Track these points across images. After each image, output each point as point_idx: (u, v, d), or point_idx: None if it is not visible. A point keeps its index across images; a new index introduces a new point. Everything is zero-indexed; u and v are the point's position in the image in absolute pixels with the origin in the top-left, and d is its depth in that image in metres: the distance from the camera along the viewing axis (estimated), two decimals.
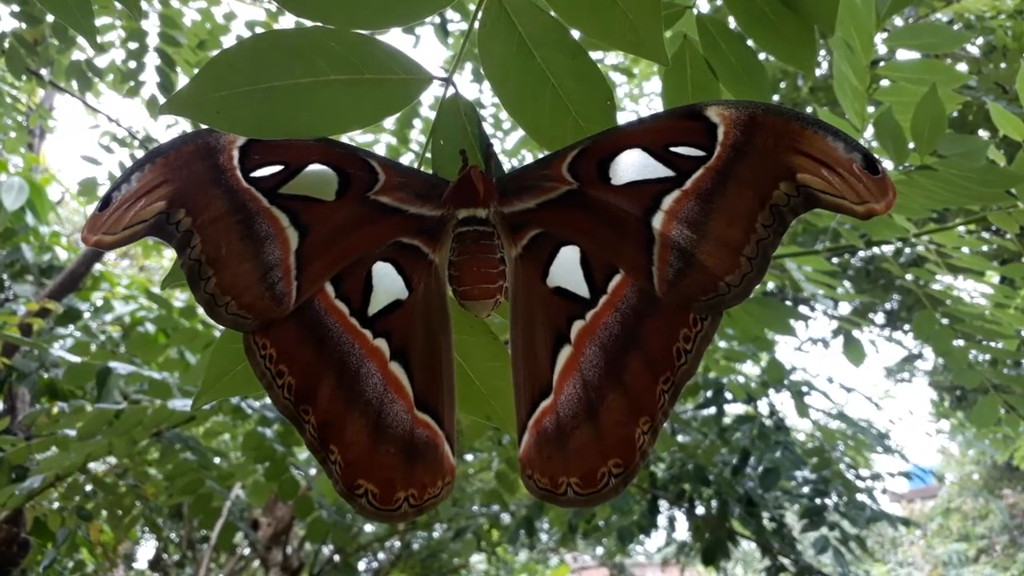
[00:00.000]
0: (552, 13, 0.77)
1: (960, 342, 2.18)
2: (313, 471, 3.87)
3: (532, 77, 0.77)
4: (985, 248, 2.45)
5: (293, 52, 0.70)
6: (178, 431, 2.79)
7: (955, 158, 1.38)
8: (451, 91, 0.78)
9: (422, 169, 0.78)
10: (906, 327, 5.90)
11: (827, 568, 4.00)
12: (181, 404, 2.28)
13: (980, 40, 4.15)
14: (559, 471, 0.68)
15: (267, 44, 0.70)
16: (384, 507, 0.68)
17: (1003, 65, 3.86)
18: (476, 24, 0.77)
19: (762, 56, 1.24)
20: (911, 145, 1.46)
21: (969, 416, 4.24)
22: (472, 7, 0.84)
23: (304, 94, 0.70)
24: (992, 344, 2.51)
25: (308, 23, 0.71)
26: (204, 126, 0.70)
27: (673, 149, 0.69)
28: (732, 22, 1.27)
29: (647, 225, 0.68)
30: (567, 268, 0.70)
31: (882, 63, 1.70)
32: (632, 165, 0.70)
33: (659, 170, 0.69)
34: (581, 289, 0.70)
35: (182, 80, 3.43)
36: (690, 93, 1.19)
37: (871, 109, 1.70)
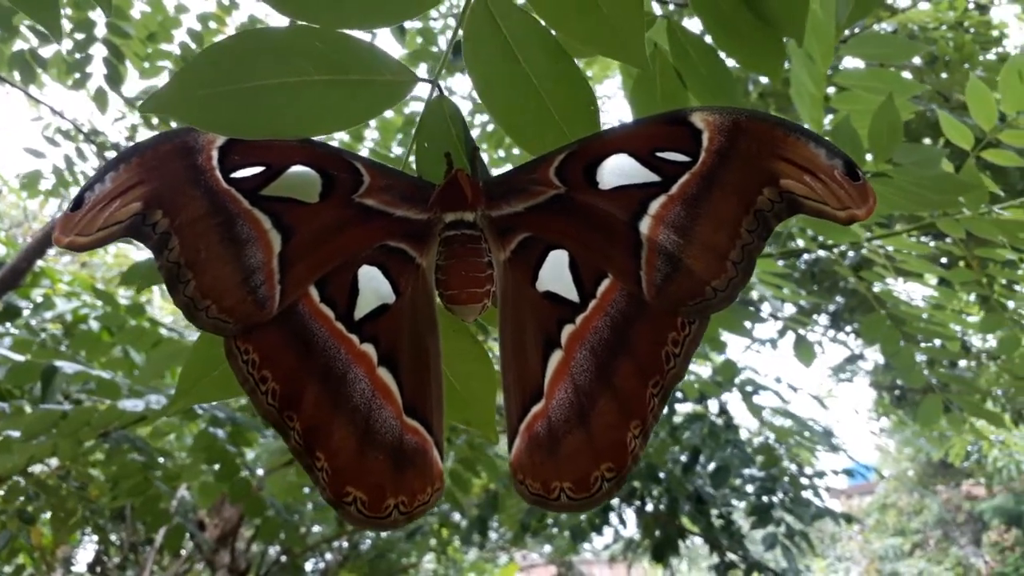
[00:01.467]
0: (537, 17, 0.77)
1: (904, 343, 2.24)
2: (261, 471, 3.81)
3: (516, 80, 0.77)
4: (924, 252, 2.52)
5: (278, 51, 0.69)
6: (125, 432, 2.72)
7: (911, 166, 1.41)
8: (436, 93, 0.77)
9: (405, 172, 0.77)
10: (848, 328, 6.04)
11: (774, 564, 4.08)
12: (132, 404, 2.22)
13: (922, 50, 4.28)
14: (551, 476, 0.68)
15: (252, 43, 0.69)
16: (374, 515, 0.67)
17: (944, 75, 3.98)
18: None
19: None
20: (868, 155, 1.50)
21: (909, 414, 4.37)
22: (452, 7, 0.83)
23: (288, 94, 0.69)
24: (934, 344, 2.60)
25: (284, 21, 0.70)
26: (175, 125, 0.69)
27: (659, 154, 0.69)
28: (700, 29, 1.29)
29: (635, 230, 0.68)
30: (556, 272, 0.70)
31: (830, 72, 1.74)
32: (619, 170, 0.70)
33: (645, 175, 0.69)
34: (570, 293, 0.70)
35: (131, 73, 3.34)
36: (659, 101, 1.21)
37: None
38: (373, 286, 0.70)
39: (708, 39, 1.18)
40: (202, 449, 2.66)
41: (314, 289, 0.70)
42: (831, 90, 1.75)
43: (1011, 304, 2.63)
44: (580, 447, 0.68)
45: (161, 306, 6.76)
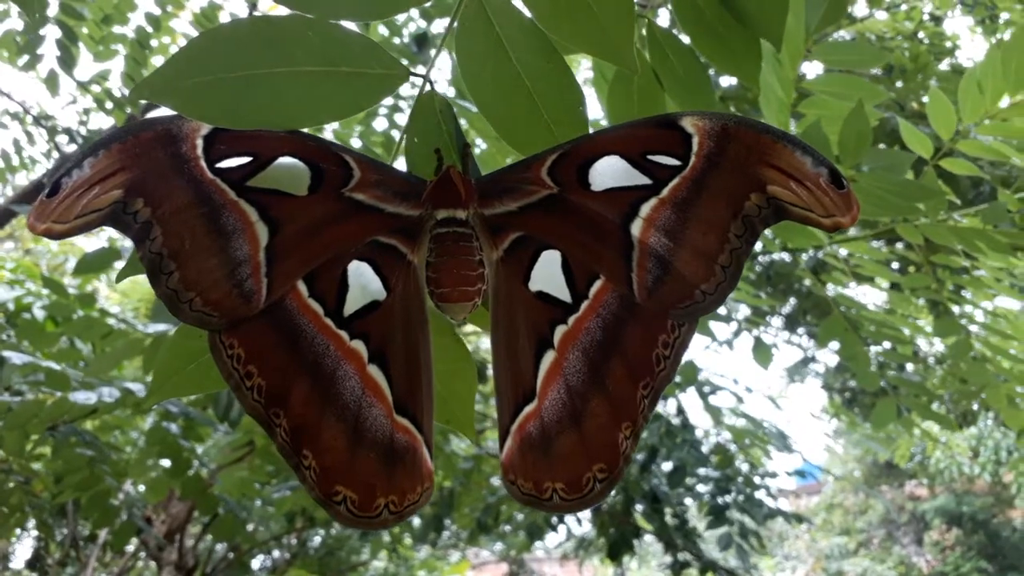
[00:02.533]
0: (529, 15, 0.76)
1: (870, 348, 2.29)
2: (209, 467, 3.75)
3: (507, 78, 0.77)
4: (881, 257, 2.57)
5: (271, 41, 0.67)
6: (73, 425, 2.65)
7: (879, 171, 1.44)
8: (427, 88, 0.76)
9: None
10: (800, 330, 6.15)
11: (724, 563, 4.14)
12: (84, 397, 2.16)
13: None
14: (544, 476, 0.67)
15: (245, 32, 0.67)
16: (364, 514, 0.66)
17: (899, 84, 4.07)
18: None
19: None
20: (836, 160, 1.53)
21: (860, 416, 4.47)
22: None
23: (279, 84, 0.68)
24: (882, 347, 2.66)
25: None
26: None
27: (650, 157, 0.69)
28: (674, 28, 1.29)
29: (626, 232, 0.68)
30: (549, 272, 0.70)
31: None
32: (610, 171, 0.70)
33: (637, 177, 0.69)
34: (563, 294, 0.70)
35: (84, 55, 3.25)
36: (635, 102, 1.21)
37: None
38: (363, 282, 0.69)
39: (686, 40, 1.19)
40: (154, 444, 2.61)
41: (302, 284, 0.68)
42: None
43: (957, 309, 2.71)
44: (573, 448, 0.67)
45: (108, 296, 6.60)
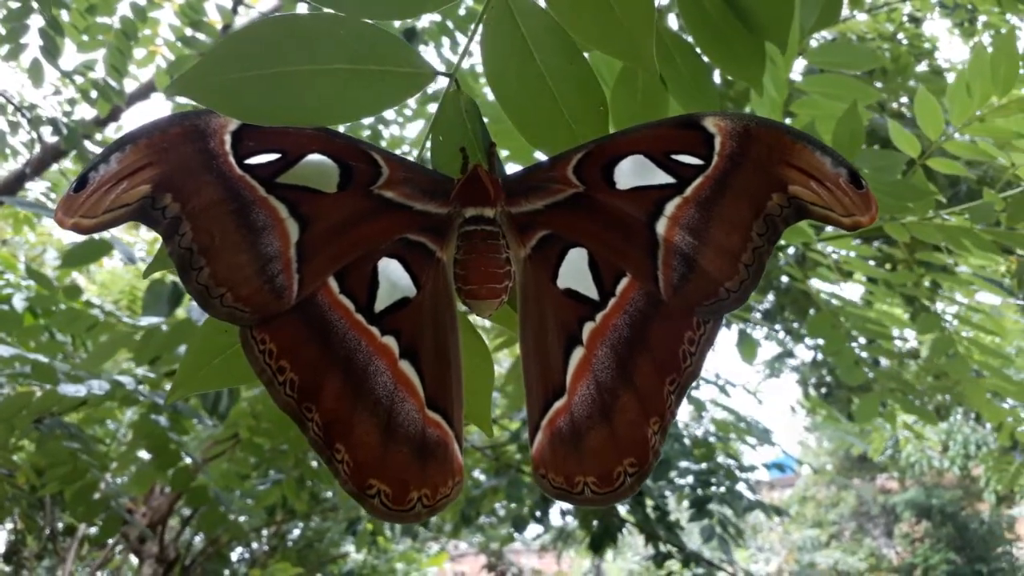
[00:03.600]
0: (554, 17, 0.77)
1: (855, 344, 2.33)
2: (192, 459, 3.73)
3: (530, 78, 0.78)
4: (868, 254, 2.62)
5: (302, 38, 0.68)
6: (59, 418, 2.63)
7: (872, 171, 1.47)
8: (453, 87, 0.77)
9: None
10: (777, 325, 6.22)
11: (707, 554, 4.19)
12: (73, 390, 2.14)
13: None
14: (575, 471, 0.69)
15: (278, 29, 0.68)
16: (398, 507, 0.67)
17: (879, 84, 4.12)
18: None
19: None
20: None
21: (840, 411, 4.53)
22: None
23: (309, 81, 0.68)
24: (859, 342, 2.70)
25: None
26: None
27: (674, 156, 0.71)
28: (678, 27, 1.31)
29: (651, 230, 0.70)
30: (576, 270, 0.71)
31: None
32: (635, 170, 0.71)
33: (661, 176, 0.71)
34: (590, 291, 0.71)
35: (68, 46, 3.21)
36: (639, 102, 1.22)
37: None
38: (393, 279, 0.70)
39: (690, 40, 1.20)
40: (142, 436, 2.59)
41: (333, 280, 0.69)
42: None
43: (937, 306, 2.76)
44: (603, 443, 0.69)
45: (86, 288, 6.54)
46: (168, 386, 3.01)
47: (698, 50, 1.18)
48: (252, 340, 0.67)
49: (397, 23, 3.46)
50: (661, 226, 0.70)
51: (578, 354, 0.70)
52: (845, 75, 1.71)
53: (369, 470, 0.67)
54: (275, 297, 0.67)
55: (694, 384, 3.65)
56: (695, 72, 1.21)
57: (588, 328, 0.70)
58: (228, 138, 0.67)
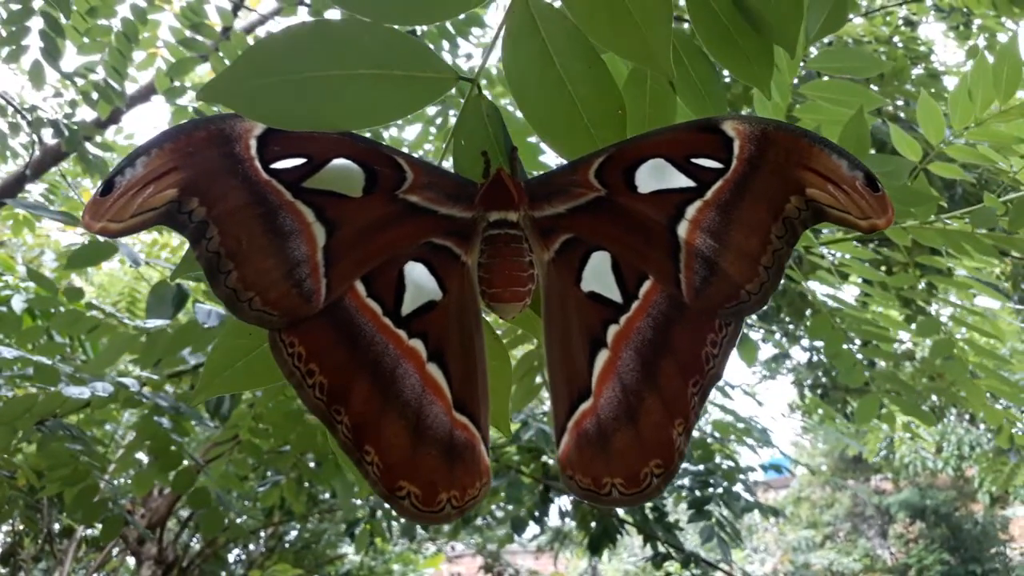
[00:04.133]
0: (574, 22, 0.78)
1: (853, 346, 2.34)
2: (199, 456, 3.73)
3: (550, 82, 0.79)
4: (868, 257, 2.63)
5: (329, 44, 0.69)
6: (60, 420, 2.62)
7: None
8: (475, 92, 0.78)
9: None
10: (774, 327, 6.24)
11: (704, 555, 4.20)
12: (77, 392, 2.14)
13: None
14: (602, 472, 0.70)
15: (304, 35, 0.68)
16: (428, 509, 0.68)
17: (875, 88, 4.14)
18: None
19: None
20: None
21: (839, 412, 4.55)
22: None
23: (336, 86, 0.69)
24: (864, 344, 2.71)
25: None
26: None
27: (693, 160, 0.72)
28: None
29: (673, 233, 0.71)
30: (599, 273, 0.72)
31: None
32: (656, 174, 0.72)
33: (681, 180, 0.72)
34: (614, 294, 0.72)
35: (69, 48, 3.21)
36: (647, 103, 1.23)
37: None
38: (419, 282, 0.71)
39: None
40: (145, 438, 2.59)
41: (360, 284, 0.70)
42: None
43: (933, 308, 2.77)
44: (629, 444, 0.70)
45: (83, 288, 6.51)
46: (170, 388, 3.01)
47: (706, 51, 1.19)
48: (281, 343, 0.68)
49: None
50: (682, 229, 0.71)
51: (603, 356, 0.71)
52: (848, 80, 1.72)
53: (399, 472, 0.68)
54: (303, 301, 0.68)
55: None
56: (703, 75, 1.22)
57: (612, 331, 0.71)
58: (254, 143, 0.68)
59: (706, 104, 1.23)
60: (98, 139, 3.47)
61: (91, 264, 2.17)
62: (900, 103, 4.53)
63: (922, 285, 2.68)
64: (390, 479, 0.68)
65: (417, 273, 0.71)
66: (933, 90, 4.25)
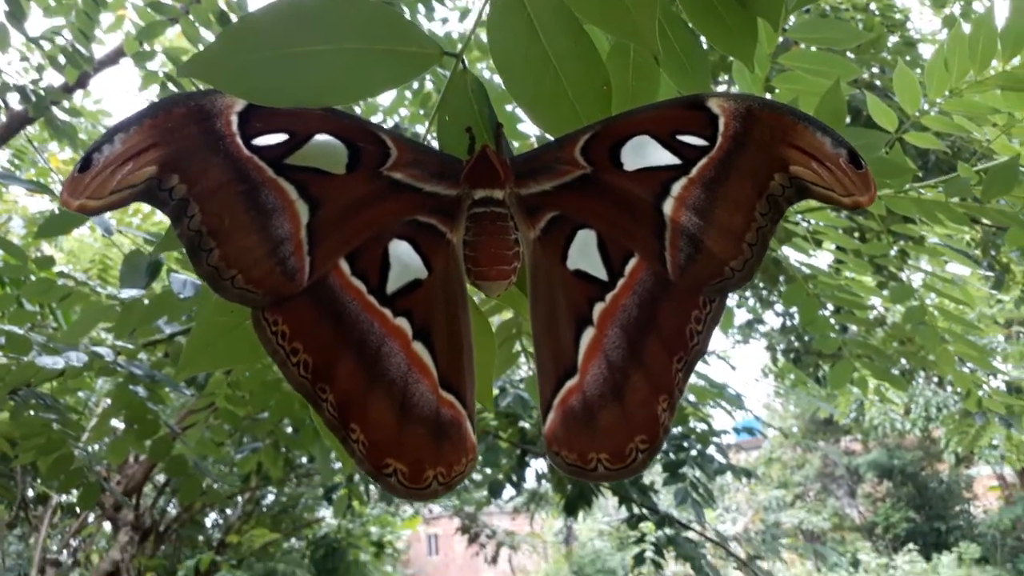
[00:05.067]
0: None
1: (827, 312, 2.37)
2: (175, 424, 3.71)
3: (535, 58, 0.78)
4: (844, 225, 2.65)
5: (314, 19, 0.67)
6: (34, 389, 2.60)
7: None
8: (459, 67, 0.77)
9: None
10: (747, 293, 6.30)
11: (678, 515, 4.27)
12: (51, 362, 2.12)
13: None
14: (588, 448, 0.70)
15: (290, 10, 0.67)
16: (414, 486, 0.68)
17: (852, 56, 4.14)
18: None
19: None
20: None
21: (811, 377, 4.62)
22: None
23: (320, 62, 0.68)
24: (837, 310, 2.75)
25: None
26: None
27: (679, 137, 0.72)
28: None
29: (658, 211, 0.71)
30: (585, 251, 0.72)
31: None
32: (641, 151, 0.72)
33: (666, 157, 0.72)
34: (599, 272, 0.72)
35: (35, 11, 3.12)
36: (631, 75, 1.23)
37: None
38: (404, 261, 0.71)
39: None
40: (120, 407, 2.57)
41: (344, 262, 0.69)
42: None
43: (904, 274, 2.81)
44: (615, 421, 0.70)
45: (51, 255, 6.41)
46: (144, 356, 2.99)
47: (690, 24, 1.19)
48: (264, 322, 0.68)
49: None
50: (668, 207, 0.71)
51: (589, 334, 0.72)
52: (827, 51, 1.72)
53: (385, 450, 0.68)
54: (287, 279, 0.67)
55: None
56: (687, 46, 1.21)
57: (598, 308, 0.72)
58: (235, 119, 0.67)
59: (690, 77, 1.23)
60: (66, 104, 3.39)
61: (63, 232, 2.14)
62: (876, 70, 4.54)
63: (894, 251, 2.71)
64: (376, 457, 0.68)
65: (402, 251, 0.71)
66: (909, 58, 4.26)
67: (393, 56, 0.71)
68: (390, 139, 0.70)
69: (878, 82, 4.48)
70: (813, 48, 1.72)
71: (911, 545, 9.83)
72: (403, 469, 0.68)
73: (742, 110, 0.70)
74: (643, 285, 0.72)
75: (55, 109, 3.28)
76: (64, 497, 4.72)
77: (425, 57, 0.73)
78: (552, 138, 0.77)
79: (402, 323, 0.70)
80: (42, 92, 3.14)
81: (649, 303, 0.72)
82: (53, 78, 3.35)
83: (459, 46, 0.78)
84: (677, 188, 0.71)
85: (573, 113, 0.80)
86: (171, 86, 3.30)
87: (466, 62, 0.77)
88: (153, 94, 3.34)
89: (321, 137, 0.69)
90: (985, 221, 2.17)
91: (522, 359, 2.55)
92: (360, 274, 0.70)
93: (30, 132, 3.90)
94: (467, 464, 0.70)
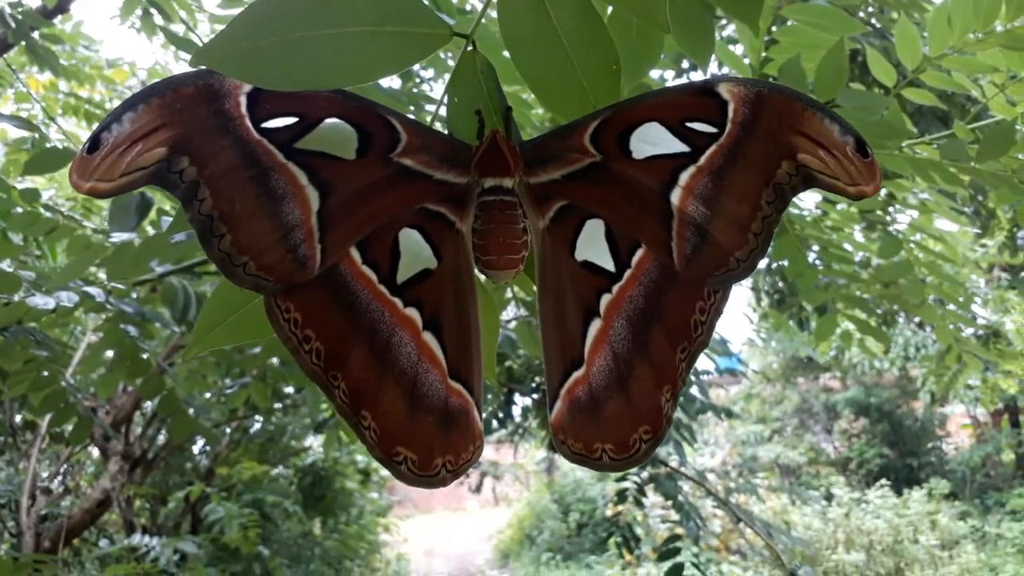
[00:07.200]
0: None
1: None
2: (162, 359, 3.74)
3: (545, 38, 0.77)
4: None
5: (321, 3, 0.66)
6: (23, 325, 2.60)
7: (855, 110, 1.48)
8: (469, 47, 0.76)
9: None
10: None
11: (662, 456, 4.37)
12: (42, 302, 2.11)
13: None
14: (593, 438, 0.72)
15: None
16: (424, 473, 0.70)
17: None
18: None
19: None
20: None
21: (791, 318, 4.68)
22: None
23: (329, 45, 0.67)
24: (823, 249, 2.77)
25: None
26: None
27: (688, 124, 0.71)
28: None
29: (666, 201, 0.71)
30: (593, 241, 0.72)
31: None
32: (650, 138, 0.72)
33: (675, 145, 0.71)
34: (607, 263, 0.72)
35: None
36: (635, 37, 1.21)
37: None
38: (414, 250, 0.71)
39: None
40: (112, 344, 2.58)
41: (355, 250, 0.69)
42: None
43: (894, 228, 2.82)
44: (620, 412, 0.72)
45: (34, 182, 6.30)
46: (135, 295, 2.98)
47: None
48: (277, 308, 0.68)
49: None
50: (675, 196, 0.71)
51: (596, 325, 0.72)
52: (830, 5, 1.70)
53: (396, 438, 0.69)
54: (298, 266, 0.67)
55: None
56: (691, 9, 1.19)
57: (605, 300, 0.72)
58: (244, 99, 0.66)
59: (696, 41, 1.21)
60: (46, 30, 3.29)
61: (49, 171, 2.10)
62: (872, 9, 4.46)
63: (883, 193, 2.72)
64: (387, 445, 0.69)
65: (412, 240, 0.71)
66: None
67: (402, 38, 0.70)
68: (400, 123, 0.70)
69: (875, 21, 4.41)
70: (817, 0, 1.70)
71: (884, 480, 10.09)
72: (413, 457, 0.70)
73: (752, 95, 0.70)
74: (649, 276, 0.72)
75: (35, 34, 3.18)
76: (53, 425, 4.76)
77: (435, 38, 0.72)
78: (561, 121, 0.76)
79: (412, 313, 0.71)
80: (21, 16, 3.03)
81: (655, 295, 0.72)
82: (31, 1, 3.25)
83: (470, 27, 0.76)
84: (685, 177, 0.71)
85: (583, 94, 0.79)
86: (153, 12, 3.21)
87: (476, 43, 0.76)
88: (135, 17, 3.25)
89: (331, 120, 0.69)
90: (980, 182, 2.18)
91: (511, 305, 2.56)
92: (371, 263, 0.70)
93: (9, 55, 3.79)
94: (474, 451, 0.72)
